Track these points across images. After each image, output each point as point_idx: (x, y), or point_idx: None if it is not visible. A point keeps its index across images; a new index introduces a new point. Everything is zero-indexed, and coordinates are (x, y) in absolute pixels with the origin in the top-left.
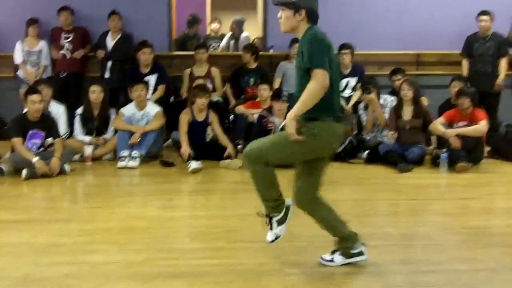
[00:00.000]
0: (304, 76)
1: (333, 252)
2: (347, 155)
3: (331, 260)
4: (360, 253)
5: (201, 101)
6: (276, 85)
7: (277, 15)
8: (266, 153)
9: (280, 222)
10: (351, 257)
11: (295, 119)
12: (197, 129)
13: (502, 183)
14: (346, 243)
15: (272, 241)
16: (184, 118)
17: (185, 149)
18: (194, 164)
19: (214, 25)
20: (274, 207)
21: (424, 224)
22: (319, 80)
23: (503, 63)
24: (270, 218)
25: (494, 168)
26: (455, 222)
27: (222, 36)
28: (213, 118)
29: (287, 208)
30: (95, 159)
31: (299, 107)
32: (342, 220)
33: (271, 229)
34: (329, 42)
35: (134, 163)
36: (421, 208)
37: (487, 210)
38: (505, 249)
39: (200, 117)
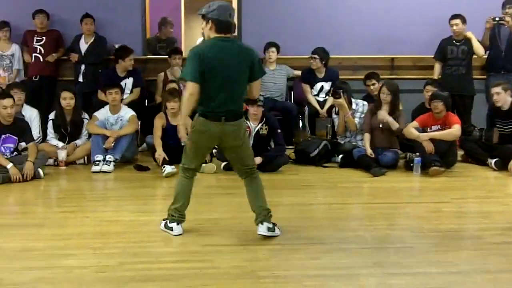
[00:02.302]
0: None
1: None
2: (321, 159)
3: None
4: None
5: (170, 105)
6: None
7: (251, 20)
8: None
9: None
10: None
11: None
12: (171, 133)
13: (474, 187)
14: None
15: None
16: (158, 122)
17: (160, 153)
18: (168, 169)
19: None
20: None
21: (396, 228)
22: (188, 89)
23: None
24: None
25: (467, 172)
26: (427, 225)
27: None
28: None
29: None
30: (69, 163)
31: (183, 112)
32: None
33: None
34: (203, 53)
35: (108, 167)
36: (394, 212)
37: (459, 213)
38: (476, 252)
39: (174, 121)
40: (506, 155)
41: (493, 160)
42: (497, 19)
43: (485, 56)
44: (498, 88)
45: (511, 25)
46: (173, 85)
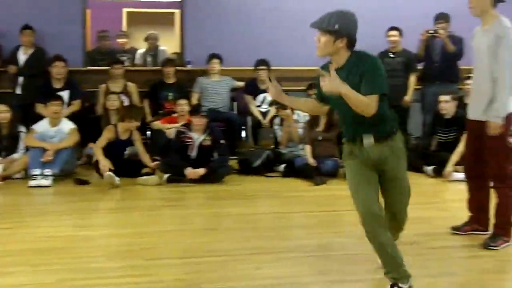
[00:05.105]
0: None
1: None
2: (264, 169)
3: None
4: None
5: (132, 125)
6: (194, 100)
7: (194, 31)
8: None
9: None
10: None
11: None
12: (118, 147)
13: (412, 194)
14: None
15: None
16: (107, 134)
17: (104, 163)
18: (116, 181)
19: (122, 40)
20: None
21: (339, 235)
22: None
23: (412, 78)
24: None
25: None
26: None
27: (132, 50)
28: (136, 136)
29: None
30: (6, 178)
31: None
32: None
33: None
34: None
35: (47, 181)
36: (337, 219)
37: None
38: (416, 257)
39: (124, 136)
40: (442, 162)
41: (430, 167)
42: (431, 31)
43: (420, 67)
44: (448, 96)
45: (444, 37)
46: (114, 96)
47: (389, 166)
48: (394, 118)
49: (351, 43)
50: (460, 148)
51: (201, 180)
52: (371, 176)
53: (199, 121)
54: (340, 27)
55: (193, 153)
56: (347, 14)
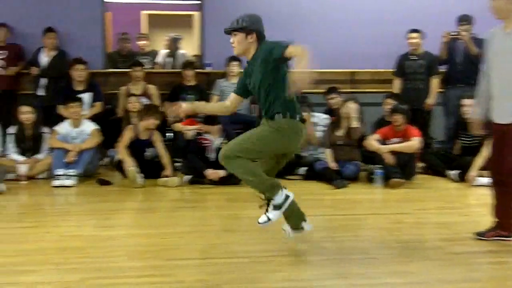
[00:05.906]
0: (268, 92)
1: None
2: (285, 171)
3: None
4: (287, 197)
5: (150, 123)
6: (214, 102)
7: (214, 33)
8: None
9: (276, 207)
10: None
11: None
12: (138, 147)
13: (435, 198)
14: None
15: (263, 223)
16: (128, 134)
17: (129, 164)
18: (140, 179)
19: (142, 42)
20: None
21: (359, 239)
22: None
23: (435, 81)
24: (268, 201)
25: (427, 184)
26: (389, 236)
27: (152, 52)
28: (157, 137)
29: (286, 197)
30: (30, 178)
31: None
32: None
33: (266, 211)
34: None
35: (70, 181)
36: (357, 223)
37: (420, 224)
38: (437, 262)
39: (144, 136)
40: (465, 166)
41: (453, 172)
42: (453, 33)
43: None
44: (471, 100)
45: (467, 39)
46: (135, 99)
47: None
48: (285, 106)
49: (259, 37)
50: (484, 152)
51: (221, 182)
52: None
53: (205, 128)
54: (247, 24)
55: (212, 155)
56: (252, 14)
